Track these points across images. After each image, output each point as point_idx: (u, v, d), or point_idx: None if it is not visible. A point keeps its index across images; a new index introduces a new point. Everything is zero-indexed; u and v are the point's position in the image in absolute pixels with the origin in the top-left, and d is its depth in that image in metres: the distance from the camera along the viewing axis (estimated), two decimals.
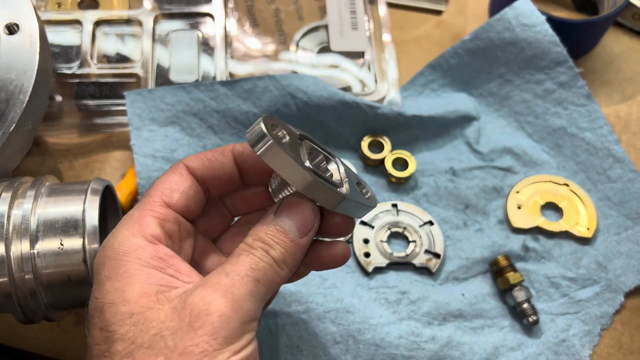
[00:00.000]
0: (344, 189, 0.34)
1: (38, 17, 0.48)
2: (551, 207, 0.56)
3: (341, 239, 0.45)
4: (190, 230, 0.37)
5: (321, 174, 0.33)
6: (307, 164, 0.32)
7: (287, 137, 0.32)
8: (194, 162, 0.36)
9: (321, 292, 0.50)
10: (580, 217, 0.54)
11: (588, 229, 0.54)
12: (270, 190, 0.36)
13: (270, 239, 0.33)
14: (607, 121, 0.57)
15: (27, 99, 0.44)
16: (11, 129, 0.43)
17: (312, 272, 0.47)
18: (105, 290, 0.31)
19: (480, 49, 0.59)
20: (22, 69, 0.45)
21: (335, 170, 0.36)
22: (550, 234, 0.54)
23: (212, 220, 0.39)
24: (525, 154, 0.58)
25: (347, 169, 0.37)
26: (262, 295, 0.32)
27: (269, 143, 0.30)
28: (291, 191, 0.34)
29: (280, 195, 0.35)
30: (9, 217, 0.40)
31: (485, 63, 0.59)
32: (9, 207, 0.41)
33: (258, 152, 0.31)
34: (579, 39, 0.60)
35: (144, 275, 0.31)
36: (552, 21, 0.57)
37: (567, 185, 0.56)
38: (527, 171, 0.57)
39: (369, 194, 0.37)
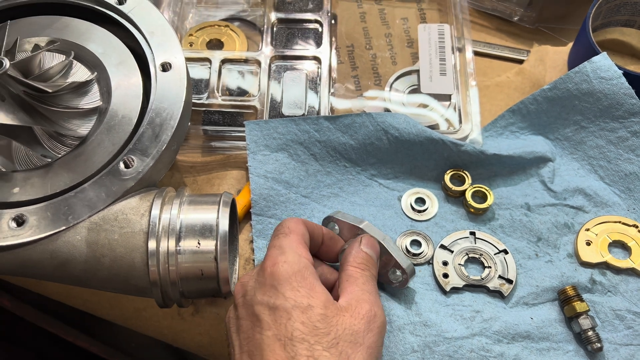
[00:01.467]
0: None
1: (184, 58, 0.59)
2: (619, 246, 0.60)
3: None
4: None
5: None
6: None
7: None
8: (307, 222, 0.51)
9: (402, 306, 0.57)
10: None
11: None
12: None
13: (367, 262, 0.49)
14: None
15: (176, 124, 0.54)
16: (163, 148, 0.53)
17: (394, 289, 0.56)
18: (301, 295, 0.44)
19: (559, 98, 0.65)
20: (172, 100, 0.56)
21: None
22: (617, 270, 0.59)
23: None
24: (596, 195, 0.63)
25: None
26: None
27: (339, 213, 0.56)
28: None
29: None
30: (160, 219, 0.50)
31: (562, 110, 0.65)
32: (160, 211, 0.51)
33: (333, 214, 0.55)
34: None
35: (321, 287, 0.45)
36: (629, 76, 0.63)
37: (637, 226, 0.60)
38: (597, 211, 0.62)
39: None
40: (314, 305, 0.43)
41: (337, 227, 0.56)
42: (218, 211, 0.51)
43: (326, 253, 0.53)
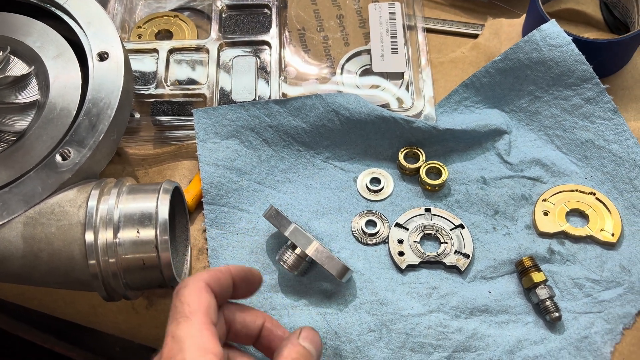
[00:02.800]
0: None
1: (123, 46, 0.58)
2: (577, 214, 0.59)
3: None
4: None
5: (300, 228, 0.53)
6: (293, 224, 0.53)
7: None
8: (210, 281, 0.42)
9: (358, 285, 0.56)
10: (606, 223, 0.58)
11: (613, 234, 0.57)
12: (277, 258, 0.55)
13: (303, 358, 0.42)
14: (633, 134, 0.61)
15: (113, 113, 0.53)
16: (100, 138, 0.52)
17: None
18: None
19: (510, 68, 0.64)
20: (110, 89, 0.54)
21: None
22: (575, 239, 0.58)
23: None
24: (553, 165, 0.62)
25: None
26: None
27: (271, 209, 0.54)
28: (289, 253, 0.54)
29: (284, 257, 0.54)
30: (97, 210, 0.49)
31: (515, 81, 0.64)
32: (97, 202, 0.50)
33: (265, 215, 0.55)
34: (607, 58, 0.64)
35: None
36: (579, 42, 0.62)
37: (594, 194, 0.59)
38: (555, 181, 0.61)
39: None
40: None
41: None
42: (157, 199, 0.50)
43: (243, 293, 0.46)
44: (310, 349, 0.43)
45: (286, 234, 0.53)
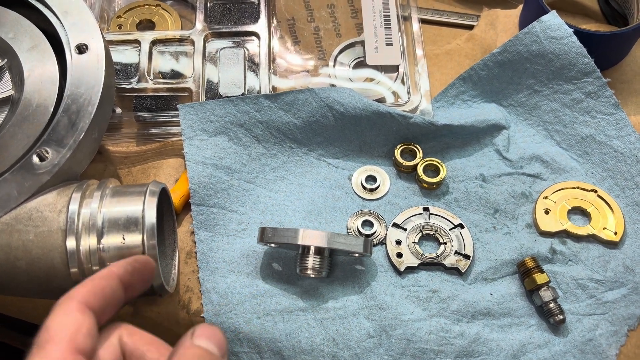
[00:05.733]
0: None
1: (104, 38, 0.54)
2: (579, 212, 0.58)
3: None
4: None
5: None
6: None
7: None
8: (89, 296, 0.34)
9: (356, 290, 0.53)
10: (608, 221, 0.56)
11: (616, 233, 0.55)
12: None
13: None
14: (634, 129, 0.59)
15: (94, 110, 0.50)
16: (81, 137, 0.48)
17: (347, 272, 0.52)
18: None
19: (509, 61, 0.62)
20: (90, 84, 0.51)
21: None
22: (577, 238, 0.56)
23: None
24: (553, 161, 0.60)
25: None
26: None
27: (266, 230, 0.51)
28: (309, 259, 0.51)
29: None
30: (79, 214, 0.46)
31: (514, 74, 0.62)
32: (79, 205, 0.46)
33: (263, 240, 0.51)
34: (607, 50, 0.62)
35: None
36: (580, 34, 0.60)
37: (595, 191, 0.58)
38: (555, 177, 0.59)
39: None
40: None
41: (274, 245, 0.53)
42: (144, 202, 0.47)
43: (138, 289, 0.39)
44: (210, 347, 0.33)
45: (300, 242, 0.49)
